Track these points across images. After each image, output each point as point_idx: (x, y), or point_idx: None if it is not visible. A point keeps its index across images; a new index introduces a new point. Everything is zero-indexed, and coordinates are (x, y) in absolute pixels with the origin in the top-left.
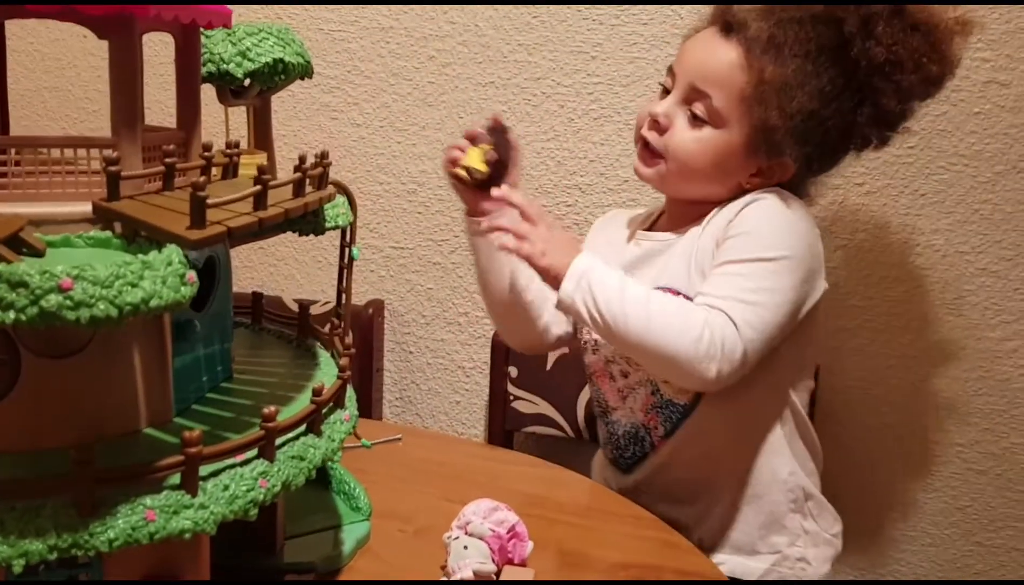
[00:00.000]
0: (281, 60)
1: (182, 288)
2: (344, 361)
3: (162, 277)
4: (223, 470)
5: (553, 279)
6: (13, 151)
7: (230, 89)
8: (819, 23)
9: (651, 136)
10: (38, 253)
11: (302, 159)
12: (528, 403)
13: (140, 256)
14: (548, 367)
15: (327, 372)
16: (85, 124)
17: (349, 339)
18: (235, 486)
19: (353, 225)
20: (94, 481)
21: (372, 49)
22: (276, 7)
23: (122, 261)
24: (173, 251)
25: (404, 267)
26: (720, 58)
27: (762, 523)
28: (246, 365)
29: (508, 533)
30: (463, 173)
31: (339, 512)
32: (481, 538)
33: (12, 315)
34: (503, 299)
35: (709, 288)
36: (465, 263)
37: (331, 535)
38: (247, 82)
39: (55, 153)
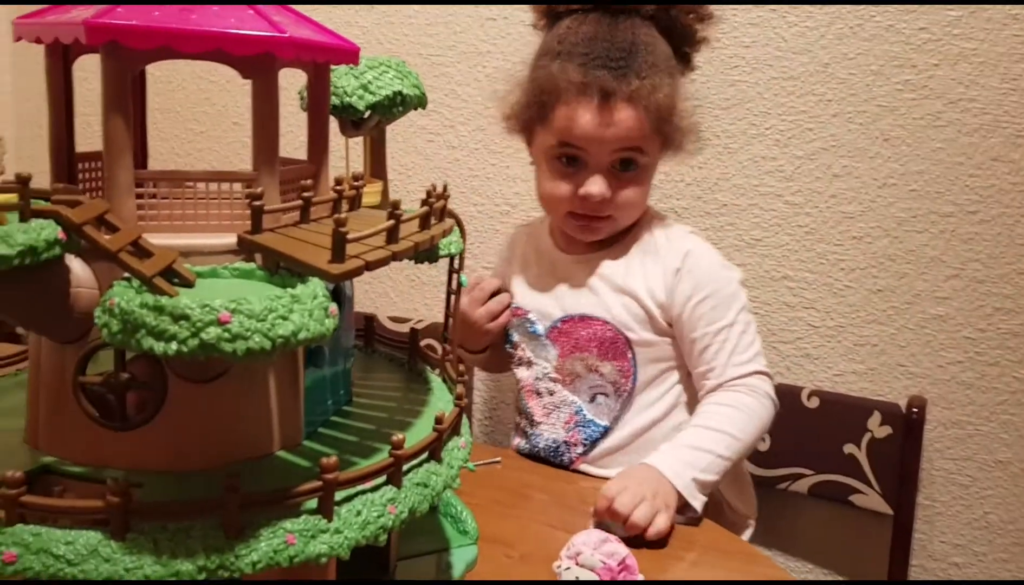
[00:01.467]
0: (400, 92)
1: (326, 321)
2: (460, 389)
3: (309, 310)
4: (355, 495)
5: (675, 512)
6: (162, 185)
7: (351, 121)
8: (639, 31)
9: (598, 212)
10: (189, 284)
11: (429, 194)
12: None
13: (289, 290)
14: None
15: (440, 397)
16: (192, 144)
17: (462, 366)
18: (367, 512)
19: (463, 253)
20: (240, 505)
21: (469, 73)
22: (380, 35)
23: (273, 295)
24: (317, 285)
25: None
26: (628, 124)
27: None
28: (363, 388)
29: (619, 566)
30: None
31: (446, 535)
32: (592, 569)
33: (174, 346)
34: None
35: (728, 359)
36: None
37: (440, 558)
38: (367, 114)
39: (200, 186)
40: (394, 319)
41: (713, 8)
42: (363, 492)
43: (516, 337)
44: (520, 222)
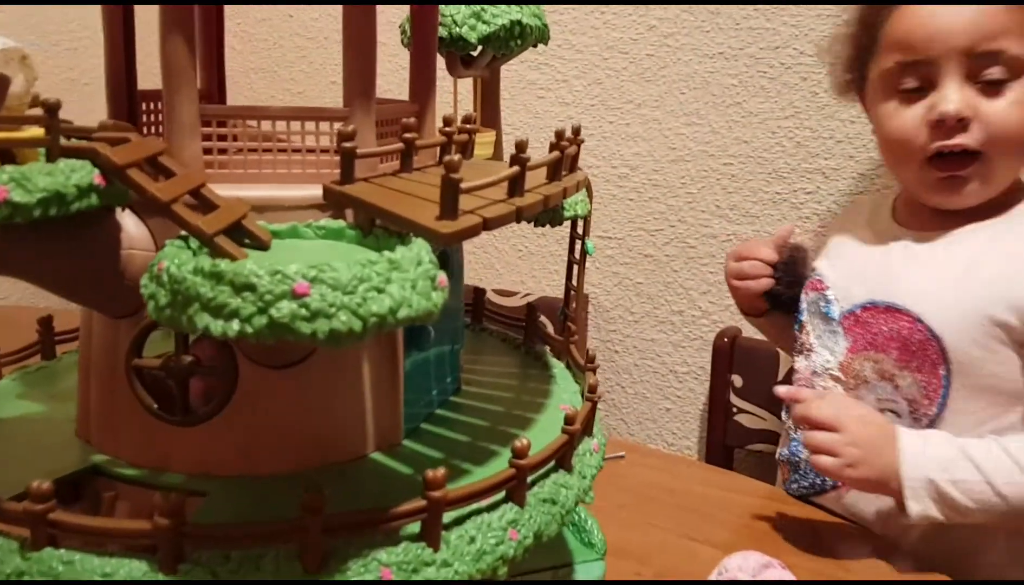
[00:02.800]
0: (519, 22)
1: (433, 294)
2: (593, 379)
3: (411, 280)
4: (467, 517)
5: (873, 489)
6: (233, 124)
7: (460, 57)
8: None
9: (961, 140)
10: (263, 246)
11: (559, 135)
12: (754, 418)
13: (387, 254)
14: (779, 377)
15: (565, 387)
16: (291, 104)
17: (592, 350)
18: (482, 538)
19: (589, 215)
20: (323, 530)
21: (584, 21)
22: None
23: (366, 260)
24: (422, 248)
25: (612, 258)
26: (978, 9)
27: None
28: (472, 375)
29: None
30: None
31: (570, 548)
32: None
33: (236, 325)
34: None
35: None
36: (681, 256)
37: (563, 574)
38: (479, 49)
39: (279, 127)
40: (500, 292)
41: None
42: (477, 512)
43: (805, 316)
44: (639, 186)
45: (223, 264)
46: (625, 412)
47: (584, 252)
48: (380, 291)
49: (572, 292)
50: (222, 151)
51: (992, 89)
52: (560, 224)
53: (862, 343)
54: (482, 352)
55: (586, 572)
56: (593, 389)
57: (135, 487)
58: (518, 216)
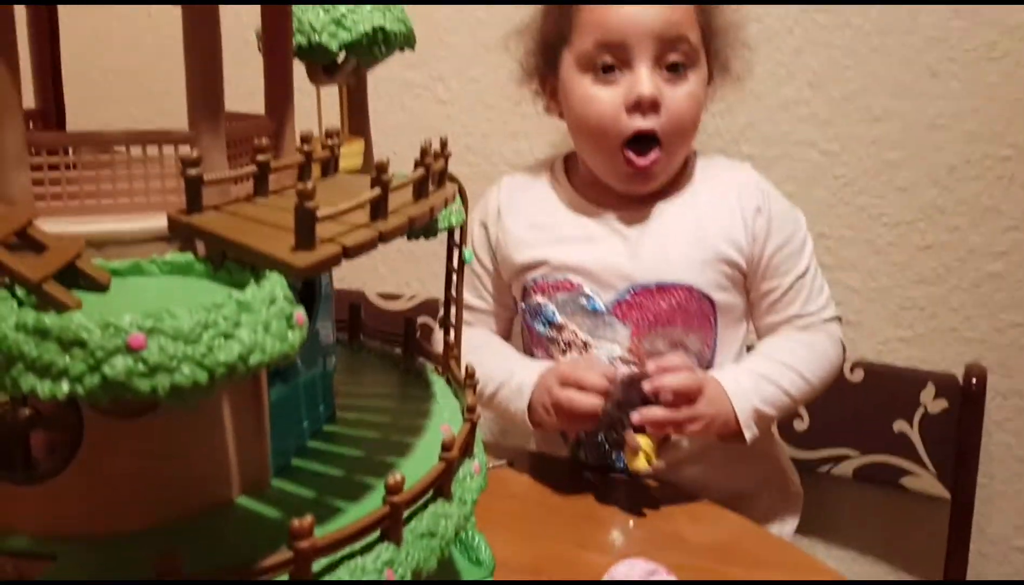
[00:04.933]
0: (381, 28)
1: (289, 334)
2: (472, 398)
3: (264, 322)
4: (340, 562)
5: (719, 431)
6: (68, 151)
7: (321, 65)
8: None
9: (651, 123)
10: (99, 287)
11: (424, 151)
12: None
13: (234, 294)
14: None
15: (445, 405)
16: (154, 105)
17: (471, 366)
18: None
19: (465, 223)
20: None
21: (459, 18)
22: None
23: (211, 303)
24: (276, 284)
25: None
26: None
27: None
28: (348, 398)
29: None
30: (643, 465)
31: (456, 568)
32: None
33: (66, 386)
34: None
35: (805, 307)
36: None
37: None
38: (342, 56)
39: (119, 152)
40: (384, 296)
41: None
42: (351, 555)
43: (560, 318)
44: None
45: (48, 318)
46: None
47: (462, 260)
48: (228, 337)
49: (452, 301)
50: (54, 182)
51: (674, 76)
52: (434, 236)
53: (645, 324)
54: (359, 372)
55: None
56: (472, 408)
57: None
58: (382, 239)
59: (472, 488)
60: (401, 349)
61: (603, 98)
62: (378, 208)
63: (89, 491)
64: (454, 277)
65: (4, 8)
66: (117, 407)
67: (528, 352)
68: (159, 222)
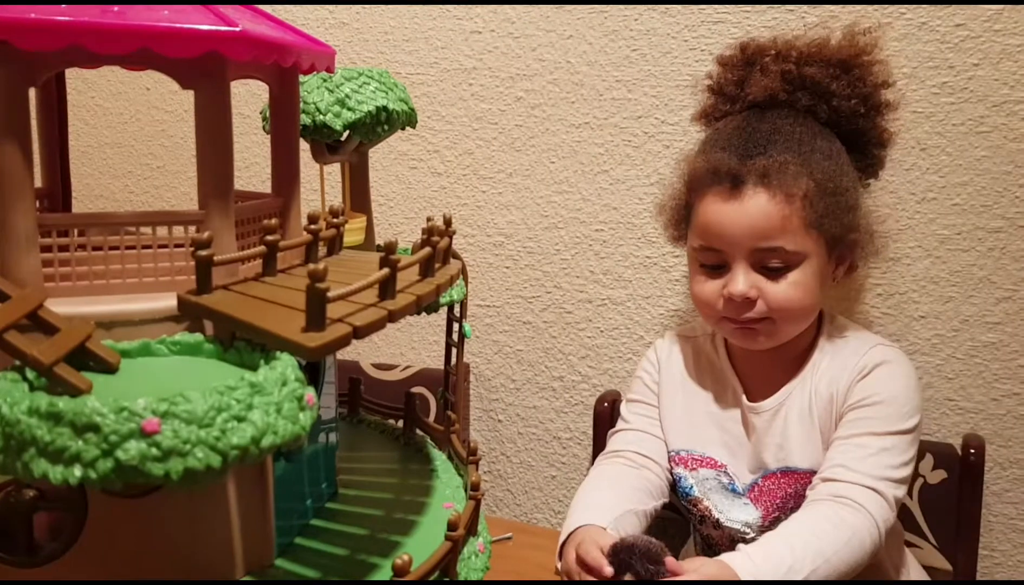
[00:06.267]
0: (384, 108)
1: (300, 416)
2: (476, 476)
3: (276, 404)
4: None
5: None
6: (77, 233)
7: (326, 144)
8: (785, 120)
9: (748, 315)
10: (109, 369)
11: (429, 231)
12: None
13: (247, 376)
14: None
15: (447, 481)
16: (149, 181)
17: (474, 443)
18: None
19: (466, 299)
20: None
21: (453, 92)
22: (352, 53)
23: (224, 386)
24: (287, 365)
25: (491, 327)
26: (762, 212)
27: None
28: (350, 475)
29: None
30: None
31: None
32: None
33: (79, 471)
34: None
35: (855, 464)
36: (559, 322)
37: None
38: (345, 134)
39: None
40: (378, 366)
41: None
42: None
43: (697, 492)
44: (515, 254)
45: (61, 403)
46: (511, 482)
47: (462, 335)
48: (241, 420)
49: (452, 375)
50: (64, 263)
51: (774, 274)
52: (436, 312)
53: (772, 507)
54: (360, 447)
55: None
56: (476, 486)
57: None
58: (390, 319)
59: (476, 567)
60: (402, 423)
61: (706, 286)
62: (386, 288)
63: (93, 574)
64: (453, 352)
65: (20, 90)
66: (124, 488)
67: None
68: (168, 302)
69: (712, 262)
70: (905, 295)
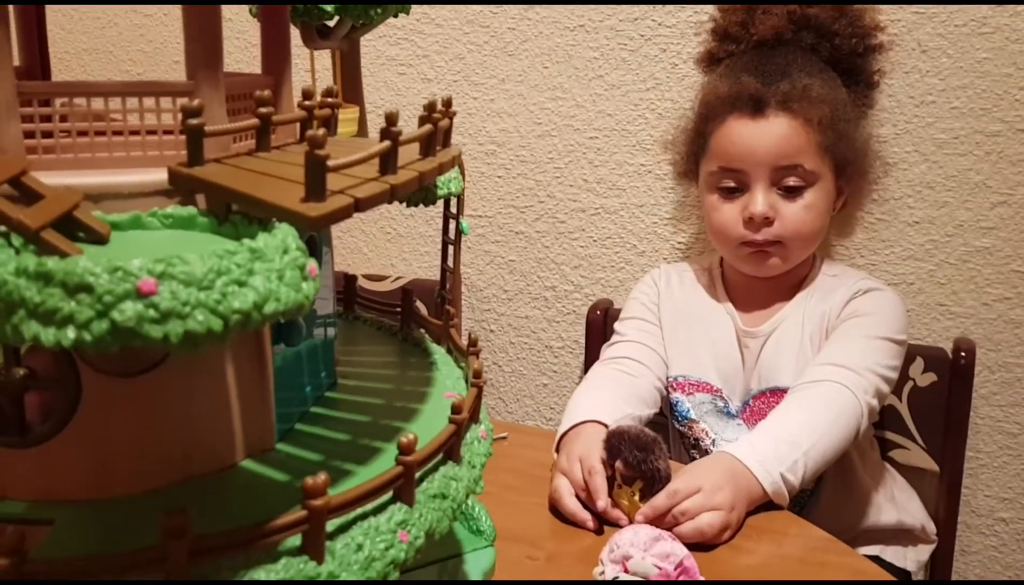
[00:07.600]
0: None
1: (303, 285)
2: (477, 364)
3: (278, 271)
4: (353, 522)
5: (751, 507)
6: (60, 103)
7: (316, 27)
8: (795, 55)
9: (764, 234)
10: (100, 239)
11: (430, 107)
12: None
13: (247, 242)
14: None
15: (447, 373)
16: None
17: (474, 334)
18: (370, 544)
19: (462, 193)
20: (190, 553)
21: None
22: None
23: (223, 250)
24: (288, 234)
25: (483, 237)
26: (783, 132)
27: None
28: (347, 367)
29: (676, 569)
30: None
31: (458, 538)
32: (645, 576)
33: (72, 333)
34: None
35: (842, 354)
36: (551, 232)
37: (451, 566)
38: (336, 18)
39: (114, 105)
40: (370, 276)
41: (884, 37)
42: (363, 516)
43: (693, 415)
44: (507, 163)
45: (51, 262)
46: (503, 391)
47: (459, 232)
48: (242, 284)
49: (449, 273)
50: (47, 134)
51: (791, 194)
52: (433, 203)
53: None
54: (357, 342)
55: (476, 561)
56: (478, 374)
57: None
58: (392, 195)
59: (480, 452)
60: (400, 319)
61: (724, 211)
62: (387, 162)
63: (87, 454)
64: (450, 248)
65: None
66: (117, 365)
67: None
68: (158, 176)
69: (729, 184)
70: (900, 200)
